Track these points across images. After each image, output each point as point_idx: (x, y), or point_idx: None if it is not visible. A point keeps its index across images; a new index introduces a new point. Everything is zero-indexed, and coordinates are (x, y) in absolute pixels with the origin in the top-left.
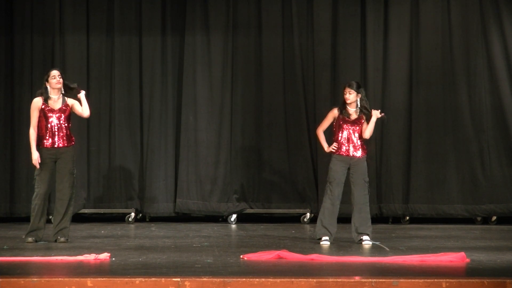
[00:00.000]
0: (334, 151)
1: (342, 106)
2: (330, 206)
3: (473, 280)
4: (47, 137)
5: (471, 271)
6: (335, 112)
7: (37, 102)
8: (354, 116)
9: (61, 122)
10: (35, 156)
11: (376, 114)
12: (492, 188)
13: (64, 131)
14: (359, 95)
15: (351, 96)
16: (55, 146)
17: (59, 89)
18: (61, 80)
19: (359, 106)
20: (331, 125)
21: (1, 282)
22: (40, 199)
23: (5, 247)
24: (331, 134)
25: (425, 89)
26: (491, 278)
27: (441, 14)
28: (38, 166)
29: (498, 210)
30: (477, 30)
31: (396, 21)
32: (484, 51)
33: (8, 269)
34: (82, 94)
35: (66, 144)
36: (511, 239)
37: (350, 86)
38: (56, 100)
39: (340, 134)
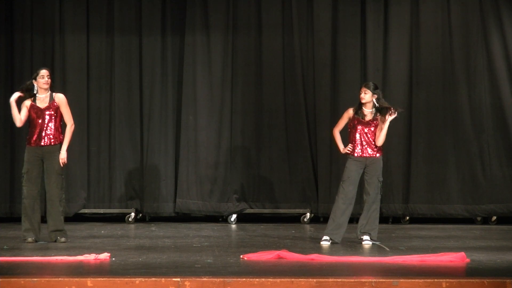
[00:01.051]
0: (349, 152)
1: (358, 106)
2: (342, 205)
3: (473, 280)
4: (33, 136)
5: (471, 271)
6: (350, 112)
7: (26, 101)
8: (369, 117)
9: (47, 121)
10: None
11: (389, 119)
12: (492, 188)
13: (50, 130)
14: (375, 95)
15: (367, 96)
16: (41, 144)
17: (46, 89)
18: (49, 80)
19: (376, 106)
20: (346, 125)
21: (1, 282)
22: (29, 198)
23: (5, 247)
24: (347, 134)
25: (425, 89)
26: (491, 278)
27: (441, 14)
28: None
29: (498, 210)
30: (477, 30)
31: (396, 21)
32: (484, 51)
33: (8, 269)
34: None
35: (52, 143)
36: (511, 239)
37: (366, 86)
38: (43, 99)
39: (355, 135)
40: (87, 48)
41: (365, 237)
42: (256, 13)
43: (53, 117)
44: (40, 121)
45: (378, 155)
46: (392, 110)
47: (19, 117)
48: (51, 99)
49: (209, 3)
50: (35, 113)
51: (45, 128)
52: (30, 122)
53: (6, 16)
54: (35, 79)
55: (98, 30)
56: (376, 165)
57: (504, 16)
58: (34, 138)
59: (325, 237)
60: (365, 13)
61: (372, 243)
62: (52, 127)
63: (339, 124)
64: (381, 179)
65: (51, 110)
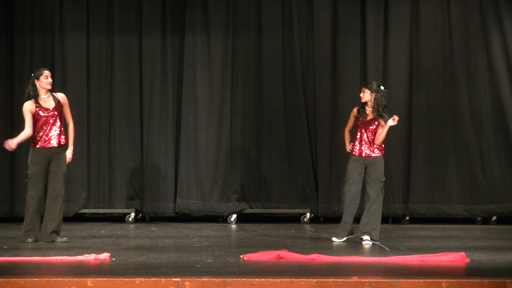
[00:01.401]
0: (350, 151)
1: (361, 105)
2: (346, 206)
3: (473, 280)
4: (41, 137)
5: (471, 271)
6: (355, 112)
7: (29, 105)
8: (370, 116)
9: (54, 121)
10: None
11: (389, 122)
12: (492, 188)
13: (58, 130)
14: (373, 94)
15: (365, 95)
16: (53, 146)
17: (49, 89)
18: (51, 80)
19: (373, 106)
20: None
21: (1, 282)
22: (35, 199)
23: (5, 247)
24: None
25: (425, 89)
26: (491, 278)
27: (441, 14)
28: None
29: (498, 210)
30: (477, 30)
31: (396, 21)
32: (484, 51)
33: (8, 269)
34: None
35: (62, 143)
36: (511, 239)
37: (365, 86)
38: (45, 100)
39: (356, 134)
40: (87, 48)
41: (365, 237)
42: (256, 13)
43: (59, 117)
44: (48, 122)
45: (377, 155)
46: (396, 117)
47: (26, 133)
48: (55, 99)
49: (209, 3)
50: (41, 114)
51: (53, 129)
52: (35, 123)
53: (6, 16)
54: (37, 78)
55: (98, 30)
56: (377, 165)
57: (504, 16)
58: (43, 139)
59: (333, 237)
60: (365, 13)
61: (372, 243)
62: (60, 127)
63: (347, 124)
64: (381, 179)
65: (57, 110)
